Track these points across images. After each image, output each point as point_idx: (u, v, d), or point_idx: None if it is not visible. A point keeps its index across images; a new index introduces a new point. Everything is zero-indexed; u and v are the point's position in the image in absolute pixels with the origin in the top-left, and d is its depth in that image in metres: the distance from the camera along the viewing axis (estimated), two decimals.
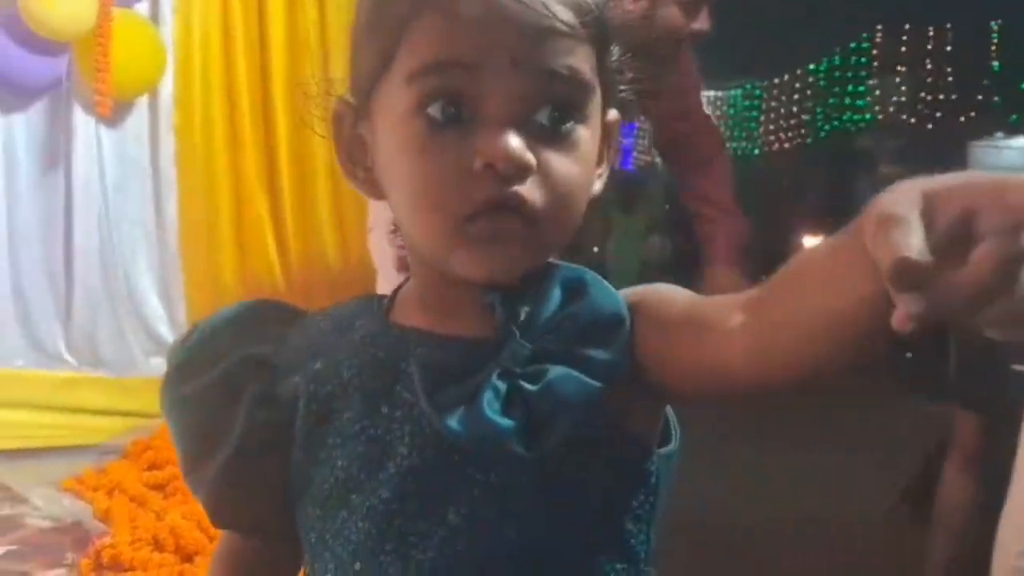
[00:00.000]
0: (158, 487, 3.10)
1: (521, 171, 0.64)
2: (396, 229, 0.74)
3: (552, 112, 0.66)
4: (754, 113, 19.83)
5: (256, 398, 0.75)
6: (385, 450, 0.70)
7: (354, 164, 0.73)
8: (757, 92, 19.89)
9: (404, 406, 0.70)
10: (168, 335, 3.98)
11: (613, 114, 0.72)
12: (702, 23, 1.77)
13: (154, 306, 3.95)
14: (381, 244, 2.84)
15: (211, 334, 0.79)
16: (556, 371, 0.64)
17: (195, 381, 0.77)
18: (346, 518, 0.71)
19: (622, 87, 0.72)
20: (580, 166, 0.67)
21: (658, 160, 4.71)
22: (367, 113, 0.71)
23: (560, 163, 0.66)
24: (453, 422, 0.64)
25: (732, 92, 19.72)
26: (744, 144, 19.30)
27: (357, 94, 0.72)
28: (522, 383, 0.64)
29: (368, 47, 0.69)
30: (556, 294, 0.66)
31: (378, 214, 2.84)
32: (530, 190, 0.65)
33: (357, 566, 0.70)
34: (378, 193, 0.72)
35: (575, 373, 0.64)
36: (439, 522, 0.68)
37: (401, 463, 0.69)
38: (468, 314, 0.69)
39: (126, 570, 2.65)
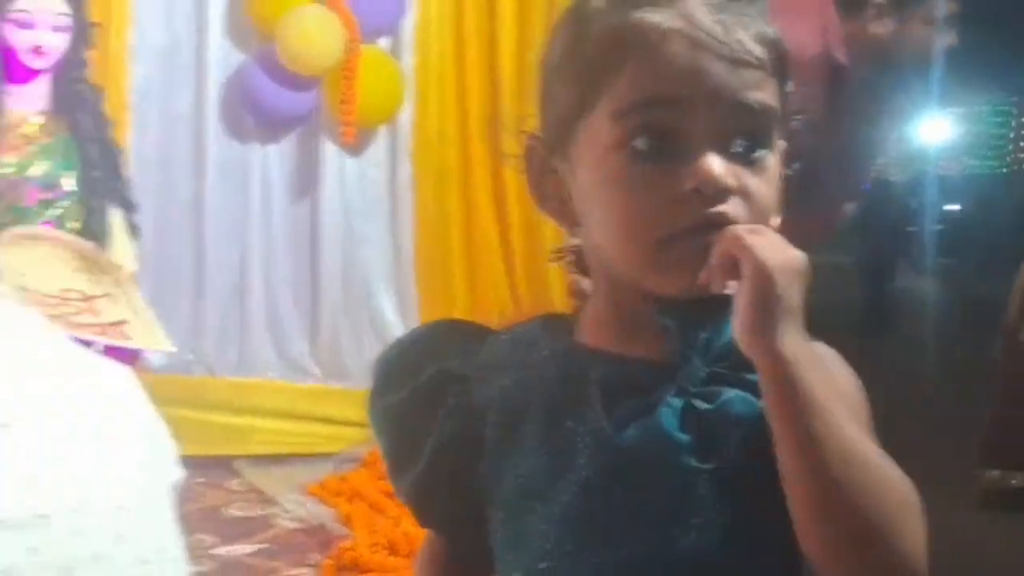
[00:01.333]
0: (393, 495, 3.27)
1: (726, 192, 0.70)
2: (564, 257, 0.80)
3: (745, 141, 0.71)
4: (1003, 130, 18.74)
5: (451, 409, 0.81)
6: (567, 461, 0.74)
7: (546, 196, 0.79)
8: (1007, 108, 18.79)
9: (585, 420, 0.74)
10: None
11: (783, 143, 0.76)
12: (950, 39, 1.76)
13: (392, 322, 4.17)
14: None
15: (410, 350, 0.86)
16: (729, 393, 0.71)
17: (396, 393, 0.84)
18: (530, 522, 0.76)
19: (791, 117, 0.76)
20: (771, 191, 0.73)
21: None
22: (563, 147, 0.76)
23: (757, 185, 0.71)
24: (632, 435, 0.70)
25: (979, 108, 18.72)
26: (991, 162, 18.25)
27: (551, 129, 0.77)
28: (697, 402, 0.70)
29: (567, 85, 0.75)
30: (730, 324, 0.70)
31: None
32: (734, 209, 0.70)
33: (542, 565, 0.75)
34: (572, 222, 0.78)
35: (745, 395, 0.70)
36: (618, 530, 0.72)
37: (581, 473, 0.73)
38: (646, 336, 0.74)
39: (364, 572, 2.82)
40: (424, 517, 0.86)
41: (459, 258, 4.19)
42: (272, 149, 4.05)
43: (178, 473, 1.17)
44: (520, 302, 4.19)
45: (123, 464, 1.10)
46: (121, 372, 1.18)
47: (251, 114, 3.93)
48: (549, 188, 0.78)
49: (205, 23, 3.91)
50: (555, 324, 0.83)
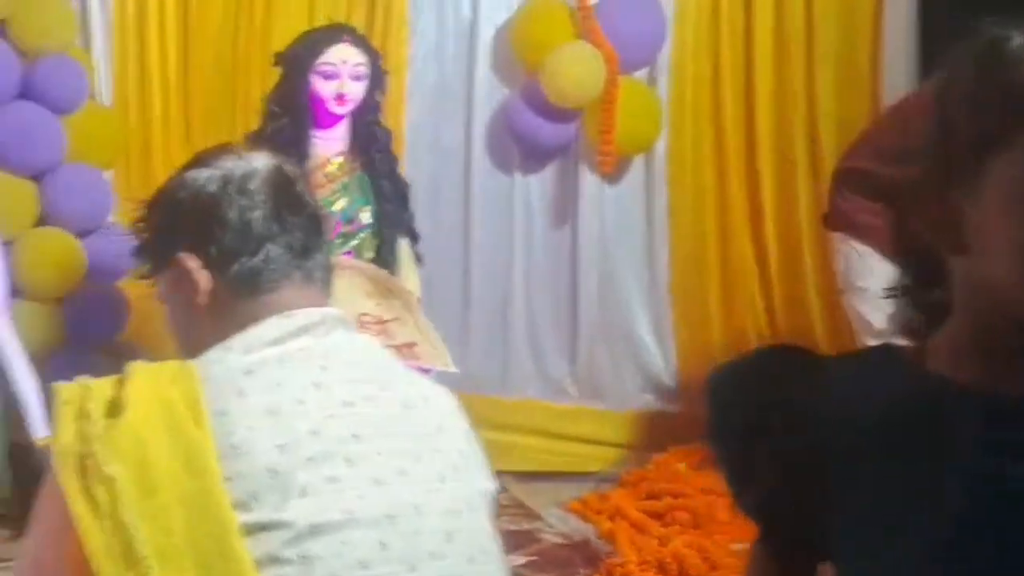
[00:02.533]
0: (656, 515, 3.36)
1: None
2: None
3: None
4: None
5: (795, 437, 0.82)
6: (932, 498, 0.74)
7: (942, 232, 0.78)
8: None
9: (955, 455, 0.74)
10: (661, 373, 4.28)
11: None
12: None
13: (648, 345, 4.26)
14: (853, 305, 2.90)
15: (748, 374, 0.89)
16: None
17: (737, 417, 0.88)
18: (889, 558, 0.76)
19: None
20: None
21: None
22: (964, 175, 0.76)
23: None
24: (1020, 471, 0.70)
25: None
26: None
27: (947, 157, 0.77)
28: None
29: (981, 118, 0.75)
30: None
31: (848, 278, 2.91)
32: None
33: None
34: (957, 249, 0.77)
35: None
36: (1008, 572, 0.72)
37: (955, 511, 0.73)
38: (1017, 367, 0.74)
39: None
40: (768, 541, 0.90)
41: (715, 281, 4.23)
42: (533, 179, 4.24)
43: (492, 484, 1.30)
44: (777, 325, 4.19)
45: (452, 472, 1.22)
46: (444, 390, 1.32)
47: (515, 146, 4.13)
48: (937, 212, 0.77)
49: (473, 62, 4.14)
50: (897, 353, 0.83)
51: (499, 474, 4.11)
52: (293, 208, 1.22)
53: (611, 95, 3.83)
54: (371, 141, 2.94)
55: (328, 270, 1.27)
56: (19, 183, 3.73)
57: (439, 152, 4.15)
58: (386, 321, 2.78)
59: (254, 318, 1.18)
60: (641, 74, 4.14)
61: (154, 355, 3.70)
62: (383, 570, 1.08)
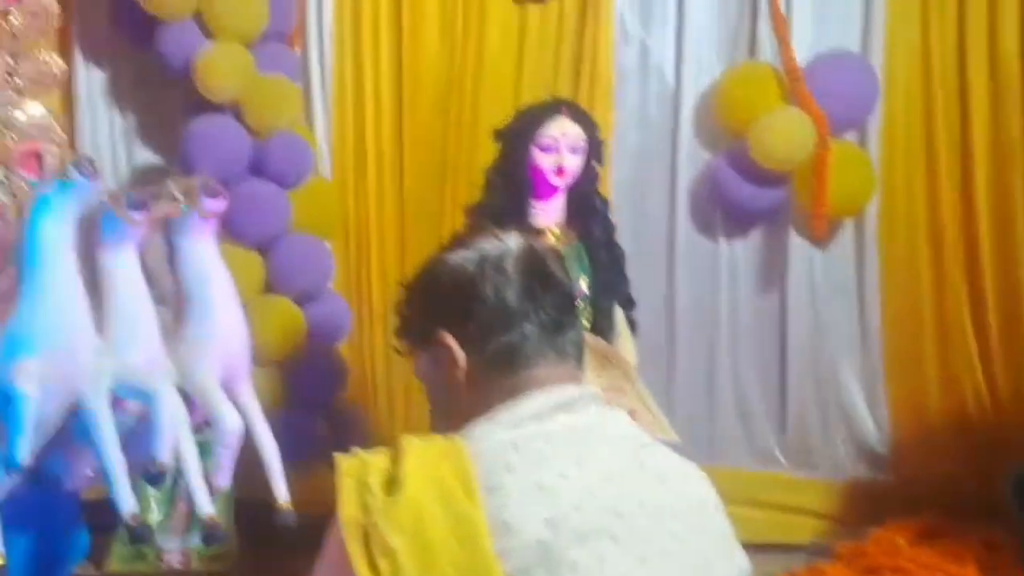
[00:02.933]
0: None
1: None
2: None
3: None
4: None
5: None
6: None
7: None
8: None
9: None
10: (874, 440, 4.14)
11: None
12: None
13: (860, 412, 4.14)
14: None
15: None
16: None
17: None
18: None
19: None
20: None
21: None
22: None
23: None
24: None
25: None
26: None
27: None
28: None
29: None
30: None
31: None
32: None
33: None
34: None
35: None
36: None
37: None
38: None
39: None
40: None
41: (930, 345, 4.08)
42: (739, 243, 4.21)
43: (747, 562, 1.29)
44: (997, 391, 4.01)
45: (714, 551, 1.23)
46: (695, 467, 1.32)
47: (721, 209, 4.12)
48: None
49: (677, 127, 4.17)
50: None
51: None
52: (545, 286, 1.26)
53: (822, 158, 3.78)
54: (589, 211, 3.00)
55: (579, 346, 1.30)
56: (247, 253, 3.96)
57: (643, 217, 4.18)
58: (604, 390, 2.80)
59: (512, 393, 1.22)
60: (851, 135, 4.07)
61: (368, 417, 3.83)
62: None
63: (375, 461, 1.16)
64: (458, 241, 1.34)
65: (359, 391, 4.32)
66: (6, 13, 3.36)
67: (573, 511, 1.12)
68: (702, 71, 4.15)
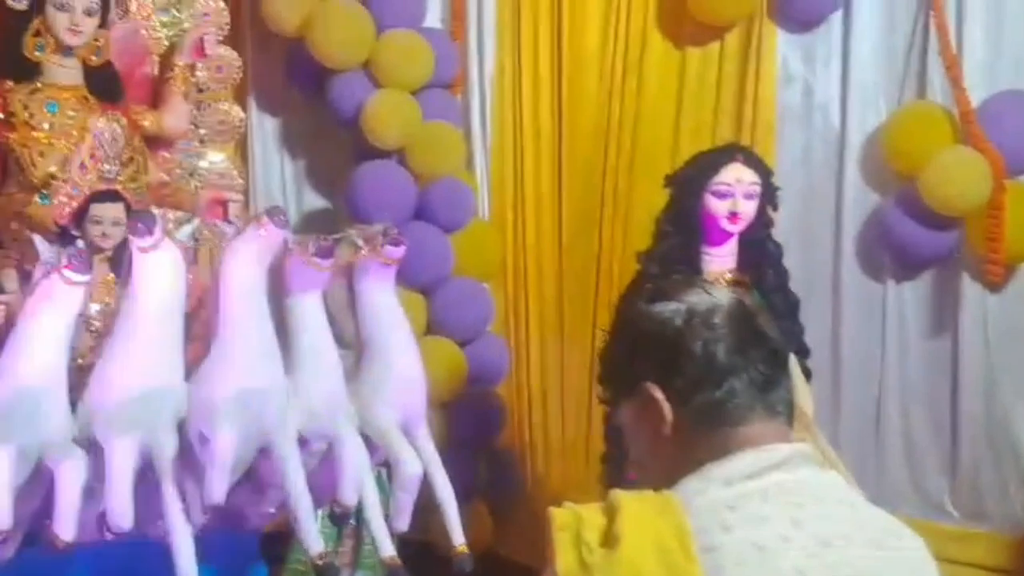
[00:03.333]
0: None
1: None
2: None
3: None
4: None
5: None
6: None
7: None
8: None
9: None
10: None
11: None
12: None
13: None
14: None
15: None
16: None
17: None
18: None
19: None
20: None
21: None
22: None
23: None
24: None
25: None
26: None
27: None
28: None
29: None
30: None
31: None
32: None
33: None
34: None
35: None
36: None
37: None
38: None
39: None
40: None
41: None
42: (908, 286, 4.10)
43: None
44: None
45: None
46: (908, 528, 1.28)
47: (890, 253, 4.02)
48: None
49: (843, 168, 4.10)
50: None
51: None
52: (755, 342, 1.24)
53: (998, 201, 3.66)
54: (762, 256, 2.97)
55: (790, 404, 1.27)
56: (411, 296, 4.04)
57: (807, 259, 4.11)
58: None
59: (721, 451, 1.21)
60: None
61: (525, 459, 3.84)
62: None
63: (590, 516, 1.15)
64: (664, 292, 1.32)
65: (516, 433, 4.36)
66: (193, 67, 3.54)
67: (793, 574, 1.11)
68: (868, 111, 4.08)
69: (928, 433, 4.08)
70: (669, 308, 1.26)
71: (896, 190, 3.96)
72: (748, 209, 2.91)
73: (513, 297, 4.41)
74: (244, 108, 4.14)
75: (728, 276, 2.95)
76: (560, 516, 1.16)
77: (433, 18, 4.34)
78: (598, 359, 1.35)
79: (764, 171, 2.98)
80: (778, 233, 3.96)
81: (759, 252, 2.98)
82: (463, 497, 3.28)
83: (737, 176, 2.90)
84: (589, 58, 4.32)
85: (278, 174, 4.48)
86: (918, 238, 3.87)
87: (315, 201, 4.52)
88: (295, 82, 4.33)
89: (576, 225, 4.36)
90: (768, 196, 2.97)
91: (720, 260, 2.96)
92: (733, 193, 2.89)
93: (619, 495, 1.18)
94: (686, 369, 1.22)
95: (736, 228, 2.92)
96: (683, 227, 2.94)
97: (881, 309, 4.09)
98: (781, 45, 4.13)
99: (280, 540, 3.63)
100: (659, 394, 1.24)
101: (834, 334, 4.11)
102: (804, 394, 2.94)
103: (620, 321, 1.34)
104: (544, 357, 4.37)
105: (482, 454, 4.15)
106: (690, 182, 2.93)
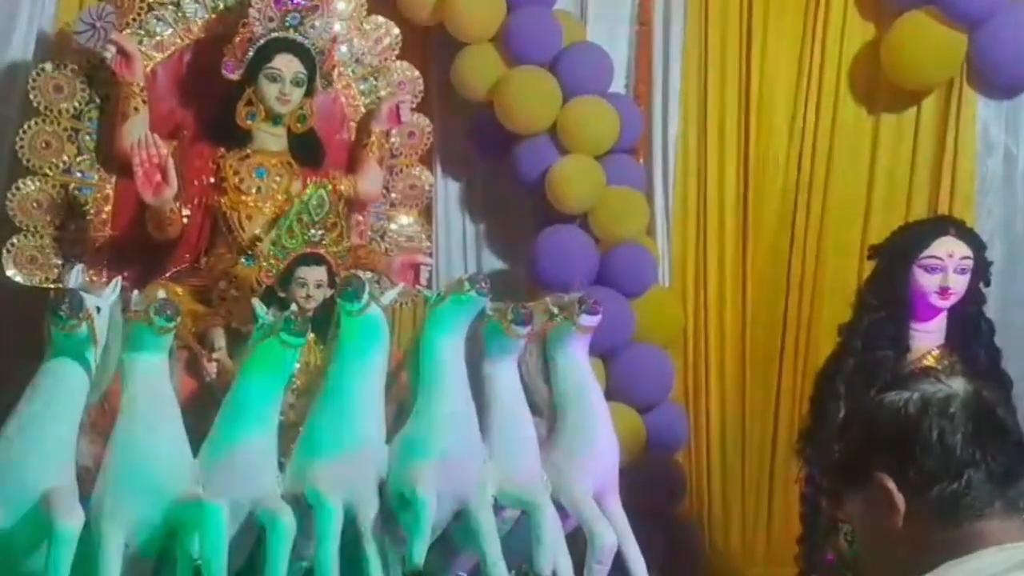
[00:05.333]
0: None
1: None
2: None
3: None
4: None
5: None
6: None
7: None
8: None
9: None
10: None
11: None
12: None
13: None
14: None
15: None
16: None
17: None
18: None
19: None
20: None
21: None
22: None
23: None
24: None
25: None
26: None
27: None
28: None
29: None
30: None
31: None
32: None
33: None
34: None
35: None
36: None
37: None
38: None
39: None
40: None
41: None
42: None
43: None
44: None
45: None
46: None
47: None
48: None
49: None
50: None
51: None
52: (994, 433, 1.19)
53: None
54: (973, 334, 2.86)
55: None
56: (592, 361, 4.03)
57: (1009, 337, 3.92)
58: None
59: (958, 548, 1.15)
60: None
61: (703, 529, 3.75)
62: None
63: None
64: (898, 382, 1.29)
65: (695, 503, 4.28)
66: (388, 133, 3.66)
67: None
68: None
69: None
70: (903, 397, 1.23)
71: None
72: (959, 284, 2.81)
73: (693, 365, 4.34)
74: (431, 172, 4.25)
75: (935, 353, 2.85)
76: None
77: (618, 83, 4.37)
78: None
79: (977, 245, 2.87)
80: None
81: (970, 329, 2.87)
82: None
83: (949, 250, 2.80)
84: (778, 123, 4.27)
85: (460, 237, 4.56)
86: None
87: (495, 264, 4.56)
88: (479, 147, 4.41)
89: (760, 293, 4.29)
90: (980, 271, 2.86)
91: (928, 337, 2.85)
92: (944, 267, 2.79)
93: None
94: (921, 459, 1.18)
95: (946, 304, 2.82)
96: (889, 301, 2.85)
97: None
98: (981, 112, 4.00)
99: None
100: (891, 484, 1.20)
101: None
102: None
103: (853, 412, 1.33)
104: (724, 426, 4.29)
105: (661, 524, 4.08)
106: (899, 255, 2.85)
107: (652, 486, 4.07)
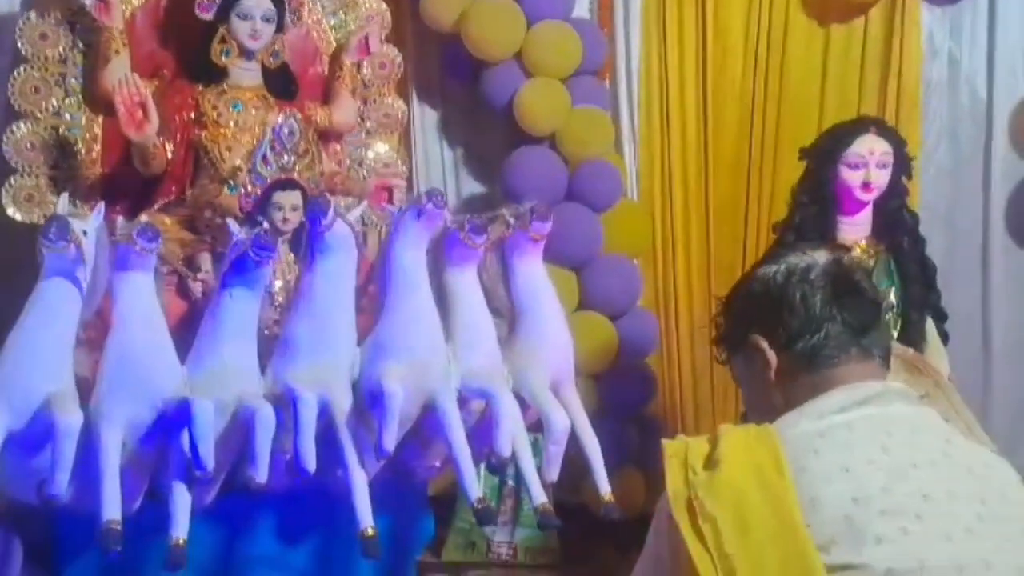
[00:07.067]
0: None
1: None
2: None
3: None
4: None
5: None
6: None
7: None
8: None
9: None
10: None
11: None
12: None
13: None
14: None
15: None
16: None
17: None
18: None
19: None
20: None
21: None
22: None
23: None
24: None
25: None
26: None
27: None
28: None
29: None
30: None
31: None
32: None
33: None
34: None
35: None
36: None
37: None
38: None
39: None
40: None
41: None
42: None
43: None
44: None
45: (1020, 535, 1.29)
46: (1004, 461, 1.40)
47: None
48: None
49: (990, 140, 4.11)
50: None
51: None
52: (851, 294, 1.38)
53: None
54: (897, 225, 3.07)
55: (886, 348, 1.41)
56: (563, 273, 4.26)
57: (954, 233, 4.14)
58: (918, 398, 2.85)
59: (817, 390, 1.34)
60: None
61: (676, 426, 4.00)
62: None
63: (696, 444, 1.32)
64: (768, 257, 1.48)
65: (668, 401, 4.53)
66: (359, 65, 3.84)
67: (879, 492, 1.23)
68: (1015, 81, 4.07)
69: None
70: (772, 269, 1.41)
71: None
72: (881, 179, 3.01)
73: (662, 273, 4.57)
74: (406, 101, 4.43)
75: (862, 244, 3.06)
76: (671, 446, 1.33)
77: (582, 8, 4.53)
78: (712, 323, 1.50)
79: (897, 141, 3.07)
80: (924, 206, 4.05)
81: (894, 220, 3.08)
82: (616, 463, 3.49)
83: (870, 147, 3.00)
84: (733, 40, 4.44)
85: (438, 162, 4.75)
86: None
87: (474, 186, 4.77)
88: (452, 75, 4.59)
89: (723, 203, 4.49)
90: (902, 166, 3.06)
91: (855, 229, 3.07)
92: (866, 163, 3.00)
93: (723, 427, 1.33)
94: (787, 319, 1.37)
95: (870, 197, 3.03)
96: (818, 197, 3.06)
97: None
98: (925, 17, 4.16)
99: (446, 504, 3.94)
100: (764, 343, 1.39)
101: (984, 308, 4.13)
102: (940, 356, 3.03)
103: (733, 288, 1.49)
104: (692, 330, 4.52)
105: (634, 422, 4.34)
106: (825, 154, 3.05)
107: (625, 388, 4.33)
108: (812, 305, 1.36)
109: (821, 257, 1.40)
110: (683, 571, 1.23)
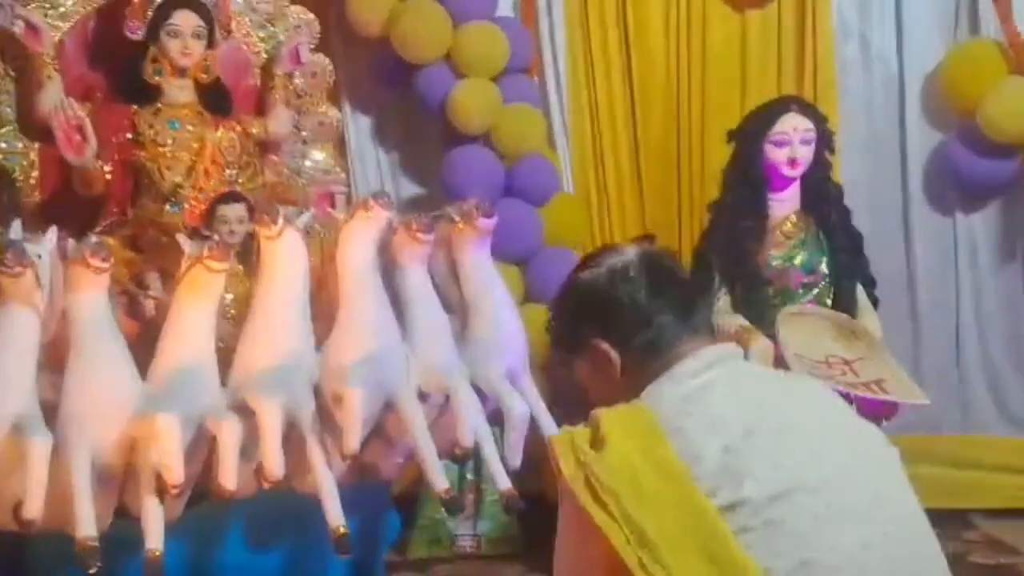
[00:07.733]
0: None
1: None
2: None
3: None
4: None
5: None
6: None
7: None
8: None
9: None
10: None
11: None
12: None
13: None
14: None
15: None
16: None
17: None
18: None
19: None
20: None
21: None
22: None
23: None
24: None
25: None
26: None
27: None
28: None
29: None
30: None
31: None
32: None
33: None
34: None
35: None
36: None
37: None
38: None
39: None
40: None
41: None
42: (976, 218, 4.28)
43: (895, 449, 1.48)
44: None
45: (866, 447, 1.44)
46: (823, 386, 1.57)
47: (955, 187, 4.20)
48: None
49: (904, 111, 4.29)
50: None
51: (968, 512, 4.15)
52: (668, 280, 1.48)
53: None
54: (824, 198, 3.21)
55: (710, 323, 1.56)
56: (506, 267, 4.34)
57: (877, 202, 4.31)
58: (851, 361, 3.00)
59: (662, 371, 1.44)
60: None
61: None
62: (831, 525, 1.31)
63: (579, 431, 1.40)
64: (586, 261, 1.55)
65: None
66: (291, 76, 3.89)
67: (743, 435, 1.35)
68: (925, 54, 4.26)
69: (1007, 357, 4.25)
70: (594, 273, 1.48)
71: (957, 127, 4.14)
72: (805, 154, 3.15)
73: None
74: (339, 108, 4.49)
75: (792, 218, 3.20)
76: (556, 438, 1.41)
77: (506, 7, 4.62)
78: (546, 331, 1.56)
79: (818, 117, 3.21)
80: (847, 180, 4.21)
81: (820, 194, 3.22)
82: None
83: (793, 125, 3.14)
84: (654, 32, 4.56)
85: (375, 166, 4.80)
86: (982, 169, 4.05)
87: (411, 188, 4.82)
88: (383, 80, 4.65)
89: (656, 189, 4.61)
90: (824, 141, 3.20)
91: (784, 204, 3.21)
92: (791, 141, 3.14)
93: (597, 411, 1.41)
94: (619, 319, 1.45)
95: (796, 173, 3.17)
96: (747, 177, 3.19)
97: (952, 243, 4.28)
98: None
99: (412, 502, 4.00)
100: (605, 345, 1.46)
101: (909, 272, 4.31)
102: (872, 319, 3.18)
103: (559, 295, 1.55)
104: None
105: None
106: (751, 135, 3.19)
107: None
108: (639, 302, 1.45)
109: (631, 253, 1.49)
110: (594, 544, 1.32)
